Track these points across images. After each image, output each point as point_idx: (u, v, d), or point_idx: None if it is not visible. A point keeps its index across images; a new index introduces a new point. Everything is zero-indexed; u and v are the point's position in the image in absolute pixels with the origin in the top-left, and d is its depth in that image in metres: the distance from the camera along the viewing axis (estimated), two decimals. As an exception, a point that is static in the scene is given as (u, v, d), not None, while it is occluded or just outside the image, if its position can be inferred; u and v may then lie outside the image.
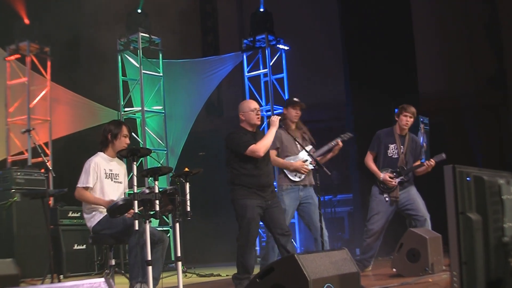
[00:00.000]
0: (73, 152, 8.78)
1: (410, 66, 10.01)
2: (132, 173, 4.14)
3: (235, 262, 5.04)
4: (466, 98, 11.45)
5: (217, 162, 9.49)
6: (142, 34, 8.96)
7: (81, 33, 9.09)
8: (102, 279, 2.09)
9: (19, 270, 4.54)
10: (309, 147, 5.70)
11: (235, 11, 13.09)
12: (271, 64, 9.78)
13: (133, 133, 9.04)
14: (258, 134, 5.16)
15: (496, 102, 11.68)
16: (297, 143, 5.68)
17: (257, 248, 9.13)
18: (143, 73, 8.99)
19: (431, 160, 6.21)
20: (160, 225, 8.91)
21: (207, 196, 9.83)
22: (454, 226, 2.54)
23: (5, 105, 9.01)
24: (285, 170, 5.67)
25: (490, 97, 11.76)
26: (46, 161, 6.29)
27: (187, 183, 4.37)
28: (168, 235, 7.69)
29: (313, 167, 5.69)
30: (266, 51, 9.76)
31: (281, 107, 9.76)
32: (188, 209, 4.35)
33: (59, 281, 6.06)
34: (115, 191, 4.86)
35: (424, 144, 8.86)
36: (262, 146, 4.95)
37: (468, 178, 2.60)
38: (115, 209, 4.42)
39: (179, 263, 4.31)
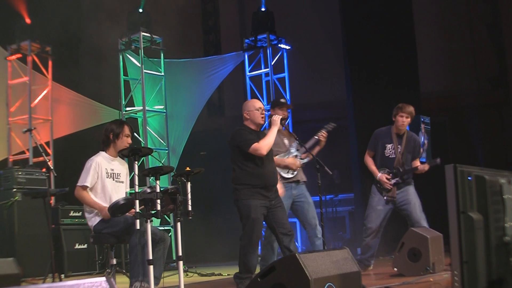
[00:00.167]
0: (74, 151, 8.79)
1: (411, 65, 10.00)
2: (133, 173, 4.14)
3: (236, 262, 5.04)
4: (468, 97, 11.45)
5: (219, 162, 9.52)
6: (143, 33, 8.97)
7: (82, 32, 9.10)
8: (103, 278, 2.09)
9: (21, 269, 4.54)
10: (294, 144, 5.81)
11: (236, 10, 13.09)
12: (272, 63, 9.77)
13: (134, 133, 9.13)
14: (261, 133, 5.17)
15: (498, 101, 11.68)
16: (286, 140, 5.81)
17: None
18: (145, 72, 8.99)
19: (426, 164, 6.19)
20: (161, 224, 8.92)
21: (208, 195, 9.83)
22: (455, 225, 2.54)
23: (7, 105, 9.02)
24: (277, 167, 5.70)
25: (492, 96, 11.75)
26: (48, 160, 6.30)
27: (189, 183, 4.37)
28: (169, 235, 7.70)
29: (304, 163, 5.81)
30: (268, 51, 9.76)
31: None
32: (190, 208, 4.35)
33: (60, 280, 6.07)
34: (116, 191, 4.86)
35: (425, 143, 8.85)
36: (264, 145, 4.95)
37: (469, 178, 2.60)
38: (116, 209, 4.42)
39: (180, 263, 4.31)
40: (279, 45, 9.88)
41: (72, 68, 9.28)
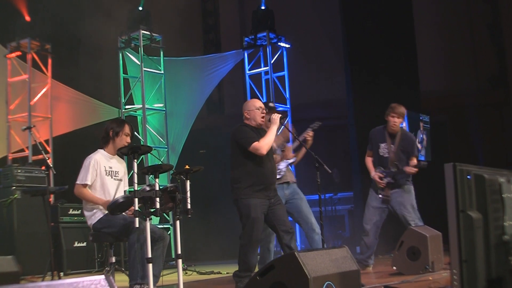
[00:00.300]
0: (73, 149, 8.79)
1: (412, 65, 10.00)
2: (132, 171, 4.13)
3: (235, 260, 5.04)
4: (468, 97, 11.46)
5: (218, 160, 9.53)
6: (143, 31, 8.96)
7: (82, 30, 9.10)
8: (102, 277, 2.08)
9: (20, 267, 4.54)
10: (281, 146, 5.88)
11: (236, 8, 13.08)
12: (272, 62, 9.76)
13: (134, 131, 9.12)
14: (262, 131, 5.16)
15: (498, 101, 11.68)
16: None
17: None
18: (144, 70, 8.99)
19: (412, 168, 6.19)
20: (160, 222, 8.92)
21: (208, 193, 9.84)
22: (454, 224, 2.54)
23: (6, 102, 9.02)
24: None
25: (492, 96, 11.76)
26: (47, 158, 6.29)
27: (188, 181, 4.37)
28: (168, 233, 7.69)
29: (288, 164, 5.87)
30: (267, 49, 9.74)
31: (282, 105, 9.78)
32: (189, 206, 4.35)
33: (60, 278, 6.07)
34: (115, 188, 4.86)
35: (424, 139, 8.87)
36: (264, 144, 4.94)
37: (468, 176, 2.59)
38: (116, 207, 4.42)
39: (180, 261, 4.31)
40: (279, 43, 9.88)
41: (72, 66, 9.28)
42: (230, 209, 5.27)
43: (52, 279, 5.54)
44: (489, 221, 2.60)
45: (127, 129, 4.95)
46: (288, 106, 9.87)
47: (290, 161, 5.93)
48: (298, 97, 10.30)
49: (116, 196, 4.65)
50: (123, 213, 4.63)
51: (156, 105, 9.35)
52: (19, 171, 7.51)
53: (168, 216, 9.00)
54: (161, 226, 8.32)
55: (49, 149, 8.96)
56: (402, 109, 6.27)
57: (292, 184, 5.91)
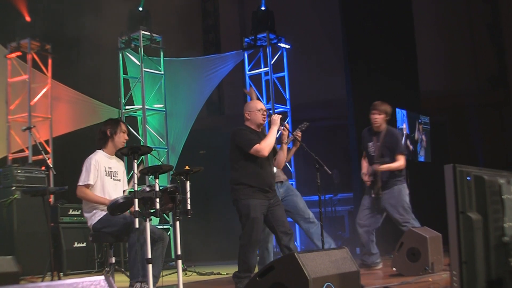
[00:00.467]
0: (73, 150, 8.79)
1: (411, 65, 10.00)
2: (132, 171, 4.14)
3: (235, 261, 5.04)
4: (468, 97, 11.46)
5: (218, 161, 9.52)
6: (143, 32, 8.96)
7: (82, 30, 9.10)
8: (102, 277, 2.08)
9: (20, 267, 4.54)
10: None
11: (236, 9, 13.09)
12: (272, 62, 9.76)
13: (134, 131, 9.13)
14: (261, 133, 5.17)
15: (498, 101, 11.69)
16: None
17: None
18: (144, 71, 8.99)
19: (377, 165, 6.23)
20: (160, 223, 8.91)
21: (208, 194, 9.83)
22: (454, 225, 2.53)
23: (6, 103, 9.01)
24: None
25: (492, 96, 11.76)
26: (47, 158, 6.29)
27: (188, 181, 4.37)
28: (168, 234, 7.68)
29: None
30: (267, 50, 9.75)
31: (282, 106, 9.78)
32: (189, 207, 4.35)
33: (59, 278, 6.07)
34: (114, 189, 4.87)
35: (423, 139, 8.87)
36: (266, 146, 4.95)
37: (468, 178, 2.59)
38: (116, 207, 4.42)
39: (179, 261, 4.31)
40: (279, 44, 9.88)
41: (72, 66, 9.28)
42: (230, 209, 5.27)
43: (52, 280, 5.54)
44: (489, 223, 2.60)
45: (123, 126, 4.99)
46: (288, 107, 9.87)
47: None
48: (298, 97, 10.30)
49: (116, 197, 4.65)
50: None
51: (156, 105, 9.35)
52: (19, 171, 7.51)
53: (168, 217, 8.99)
54: (161, 227, 8.32)
55: (49, 149, 8.96)
56: (385, 106, 6.33)
57: (285, 183, 5.99)
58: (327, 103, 11.47)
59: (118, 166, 5.00)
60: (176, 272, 4.32)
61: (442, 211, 2.74)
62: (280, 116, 5.23)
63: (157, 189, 4.08)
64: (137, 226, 4.17)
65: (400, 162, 6.22)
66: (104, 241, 4.94)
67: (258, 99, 9.23)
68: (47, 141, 9.04)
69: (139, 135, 9.26)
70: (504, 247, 2.63)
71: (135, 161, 4.15)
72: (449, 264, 2.61)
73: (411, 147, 8.64)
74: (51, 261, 5.55)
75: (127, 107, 9.23)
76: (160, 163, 5.53)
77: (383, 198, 6.22)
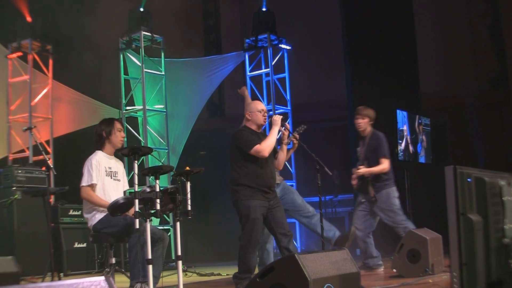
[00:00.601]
0: (74, 150, 8.79)
1: (412, 66, 10.00)
2: (133, 172, 4.14)
3: (235, 261, 5.04)
4: (468, 98, 11.45)
5: (218, 161, 9.51)
6: (144, 32, 8.96)
7: (83, 31, 9.10)
8: (102, 278, 2.08)
9: (20, 267, 4.54)
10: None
11: (237, 10, 13.07)
12: (273, 63, 9.77)
13: (134, 132, 9.13)
14: (261, 134, 5.17)
15: (498, 102, 11.67)
16: None
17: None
18: (145, 71, 8.99)
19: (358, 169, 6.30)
20: (160, 224, 8.92)
21: (208, 195, 9.83)
22: (454, 227, 2.53)
23: (7, 103, 9.01)
24: None
25: (492, 97, 11.74)
26: (47, 159, 6.29)
27: (188, 182, 4.37)
28: (168, 234, 7.68)
29: None
30: (268, 51, 9.75)
31: (283, 107, 9.78)
32: (189, 208, 4.35)
33: (60, 279, 6.07)
34: (114, 189, 4.86)
35: (424, 140, 8.87)
36: (266, 146, 4.96)
37: (469, 179, 2.59)
38: (116, 208, 4.42)
39: (180, 262, 4.31)
40: (280, 45, 9.88)
41: (73, 66, 9.27)
42: (230, 210, 5.27)
43: (52, 280, 5.54)
44: (489, 224, 2.60)
45: (117, 125, 4.97)
46: (289, 108, 9.88)
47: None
48: (298, 98, 10.30)
49: (116, 197, 4.65)
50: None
51: (156, 106, 9.36)
52: (20, 171, 7.51)
53: (168, 218, 8.99)
54: (161, 228, 8.33)
55: (49, 149, 8.96)
56: (368, 110, 6.43)
57: (281, 183, 5.97)
58: (327, 104, 11.46)
59: (118, 166, 5.00)
60: (176, 272, 4.32)
61: (443, 212, 2.75)
62: (281, 117, 5.24)
63: (158, 189, 4.08)
64: (137, 226, 4.17)
65: (384, 165, 6.25)
66: (104, 241, 4.95)
67: (259, 99, 9.26)
68: (47, 142, 9.04)
69: (139, 135, 9.27)
70: (504, 248, 2.63)
71: (136, 161, 4.16)
72: (449, 265, 2.61)
73: (411, 148, 8.64)
74: (51, 261, 5.55)
75: (127, 108, 9.23)
76: (160, 164, 5.54)
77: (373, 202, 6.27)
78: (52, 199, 7.90)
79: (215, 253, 9.75)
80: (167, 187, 4.36)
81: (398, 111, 8.46)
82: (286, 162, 6.84)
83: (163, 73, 9.32)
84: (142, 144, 8.75)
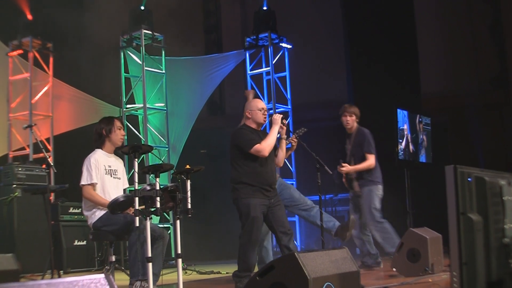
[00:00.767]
0: (74, 148, 8.78)
1: (412, 66, 10.00)
2: (133, 170, 4.14)
3: (235, 260, 5.05)
4: (468, 98, 11.44)
5: (219, 160, 9.52)
6: (145, 31, 8.96)
7: (83, 29, 9.10)
8: (102, 275, 2.08)
9: (20, 265, 4.54)
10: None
11: (238, 9, 13.07)
12: (273, 62, 9.77)
13: (134, 130, 9.13)
14: (261, 133, 5.17)
15: (499, 102, 11.66)
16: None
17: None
18: (146, 70, 8.99)
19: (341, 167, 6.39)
20: (160, 222, 8.92)
21: (208, 193, 9.83)
22: (454, 226, 2.54)
23: (7, 101, 9.02)
24: None
25: (493, 97, 11.73)
26: (48, 156, 6.29)
27: (188, 181, 4.37)
28: (168, 232, 7.68)
29: None
30: (269, 50, 9.75)
31: (283, 106, 9.78)
32: (189, 206, 4.35)
33: (59, 276, 6.07)
34: (114, 187, 4.87)
35: (424, 139, 8.87)
36: (267, 146, 4.96)
37: (469, 179, 2.60)
38: (116, 206, 4.42)
39: (179, 260, 4.31)
40: (281, 44, 9.88)
41: (73, 64, 9.27)
42: (230, 209, 5.28)
43: (52, 278, 5.54)
44: (489, 224, 2.60)
45: (117, 123, 4.97)
46: (289, 107, 9.88)
47: None
48: (299, 97, 10.30)
49: (116, 195, 4.65)
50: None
51: (157, 104, 9.36)
52: (20, 169, 7.51)
53: (168, 216, 8.99)
54: (161, 226, 8.32)
55: (50, 147, 8.96)
56: (354, 108, 6.53)
57: (277, 180, 5.97)
58: (328, 103, 11.44)
59: (118, 164, 5.00)
60: (176, 271, 4.32)
61: (443, 212, 2.75)
62: (281, 115, 5.24)
63: (158, 187, 4.08)
64: (137, 224, 4.18)
65: (370, 161, 6.30)
66: (104, 239, 4.95)
67: (259, 98, 9.25)
68: (48, 139, 9.04)
69: (140, 134, 9.27)
70: (504, 248, 2.63)
71: (136, 160, 4.16)
72: (449, 265, 2.61)
73: (412, 147, 8.64)
74: (51, 259, 5.56)
75: (128, 106, 9.24)
76: (160, 162, 5.54)
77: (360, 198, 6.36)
78: (52, 197, 7.89)
79: (215, 251, 9.75)
80: (167, 185, 4.36)
81: (398, 110, 8.45)
82: (286, 161, 6.86)
83: (163, 71, 9.32)
84: (143, 142, 8.75)
